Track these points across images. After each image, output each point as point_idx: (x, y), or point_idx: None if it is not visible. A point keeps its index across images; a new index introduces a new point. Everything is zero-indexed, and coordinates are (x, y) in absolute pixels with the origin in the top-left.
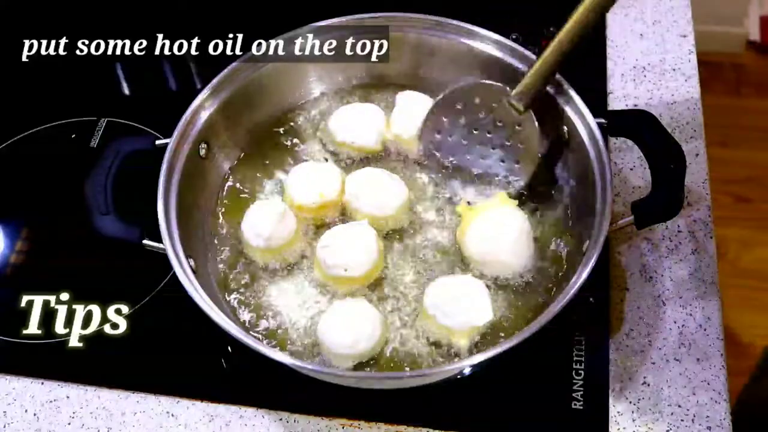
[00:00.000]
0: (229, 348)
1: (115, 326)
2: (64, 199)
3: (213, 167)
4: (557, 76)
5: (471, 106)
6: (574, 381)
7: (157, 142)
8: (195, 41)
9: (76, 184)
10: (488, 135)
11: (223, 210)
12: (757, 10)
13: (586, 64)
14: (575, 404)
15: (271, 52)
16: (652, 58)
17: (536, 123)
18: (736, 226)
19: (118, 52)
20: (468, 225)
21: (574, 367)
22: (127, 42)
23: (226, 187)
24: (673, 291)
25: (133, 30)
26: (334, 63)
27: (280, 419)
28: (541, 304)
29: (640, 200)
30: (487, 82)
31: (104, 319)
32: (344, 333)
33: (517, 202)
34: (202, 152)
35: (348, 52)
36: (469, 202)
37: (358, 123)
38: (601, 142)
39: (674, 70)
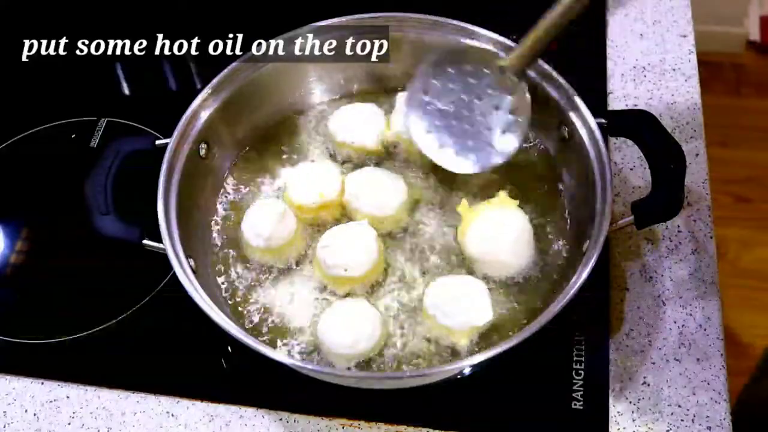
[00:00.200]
0: (229, 348)
1: (115, 326)
2: (64, 199)
3: (213, 167)
4: (557, 76)
5: (462, 70)
6: (574, 381)
7: (157, 142)
8: (195, 41)
9: (76, 184)
10: (477, 102)
11: (223, 210)
12: (757, 10)
13: (586, 64)
14: (575, 404)
15: (271, 52)
16: (652, 58)
17: (527, 93)
18: (736, 226)
19: (118, 52)
20: (468, 225)
21: (574, 367)
22: (127, 42)
23: (226, 187)
24: (673, 291)
25: (133, 30)
26: (334, 63)
27: (280, 419)
28: (541, 304)
29: (640, 200)
30: (480, 46)
31: (104, 319)
32: (344, 333)
33: (517, 202)
34: (202, 152)
35: (348, 52)
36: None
37: (358, 123)
38: (601, 142)
39: (674, 70)
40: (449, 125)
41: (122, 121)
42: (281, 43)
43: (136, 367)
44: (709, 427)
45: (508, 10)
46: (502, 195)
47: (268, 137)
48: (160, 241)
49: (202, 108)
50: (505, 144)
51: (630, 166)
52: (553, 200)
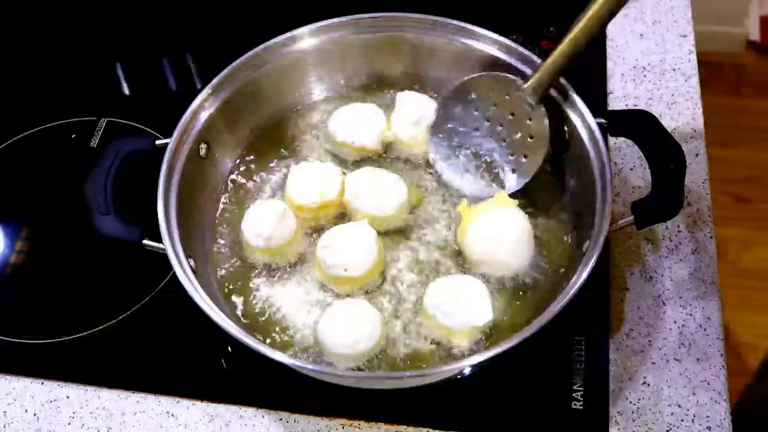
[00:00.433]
0: (229, 348)
1: (115, 326)
2: (64, 199)
3: (213, 167)
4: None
5: (485, 96)
6: (574, 381)
7: (157, 142)
8: (195, 41)
9: (76, 184)
10: (499, 127)
11: (223, 210)
12: (757, 10)
13: (586, 64)
14: (575, 404)
15: (271, 52)
16: (652, 58)
17: (547, 118)
18: (736, 226)
19: (118, 52)
20: (468, 225)
21: (574, 367)
22: (127, 42)
23: (226, 187)
24: (673, 291)
25: (133, 30)
26: (334, 63)
27: (280, 419)
28: (540, 304)
29: (640, 200)
30: (502, 74)
31: (104, 319)
32: (344, 333)
33: (517, 202)
34: (202, 152)
35: (348, 52)
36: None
37: (358, 123)
38: (601, 142)
39: (674, 70)
40: (472, 152)
41: (122, 121)
42: (281, 43)
43: (136, 367)
44: (709, 427)
45: (508, 10)
46: (502, 194)
47: (268, 137)
48: (160, 241)
49: (202, 108)
50: (525, 168)
51: (630, 166)
52: (553, 200)
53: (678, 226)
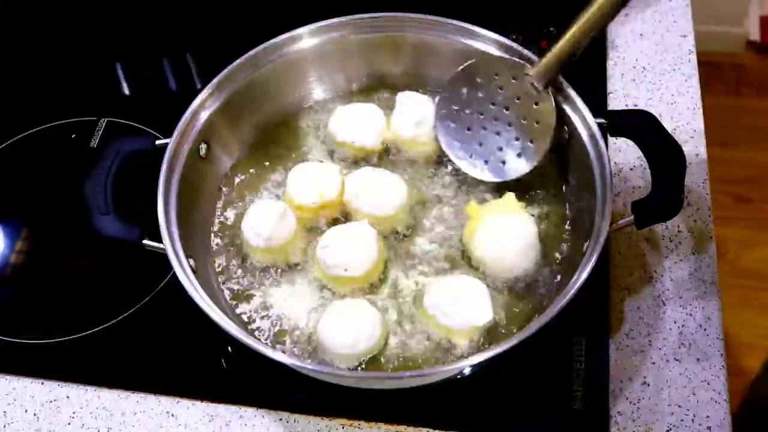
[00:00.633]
0: (229, 348)
1: (115, 326)
2: (64, 199)
3: (213, 167)
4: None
5: (491, 79)
6: (574, 381)
7: (157, 142)
8: (195, 41)
9: (76, 184)
10: (505, 111)
11: (223, 210)
12: (757, 10)
13: (586, 64)
14: (575, 404)
15: (271, 52)
16: (652, 58)
17: (554, 102)
18: (736, 226)
19: (118, 52)
20: (477, 227)
21: (574, 367)
22: (127, 42)
23: (226, 187)
24: (673, 291)
25: (133, 30)
26: (334, 63)
27: (280, 419)
28: (541, 304)
29: (640, 200)
30: (509, 57)
31: (104, 319)
32: (344, 333)
33: (524, 204)
34: (202, 152)
35: (348, 52)
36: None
37: (358, 123)
38: (601, 142)
39: (674, 70)
40: (478, 134)
41: (122, 121)
42: (281, 43)
43: (136, 367)
44: (709, 427)
45: (508, 10)
46: (511, 197)
47: (268, 137)
48: (160, 241)
49: (202, 108)
50: (531, 153)
51: (630, 166)
52: (553, 200)
53: (678, 226)
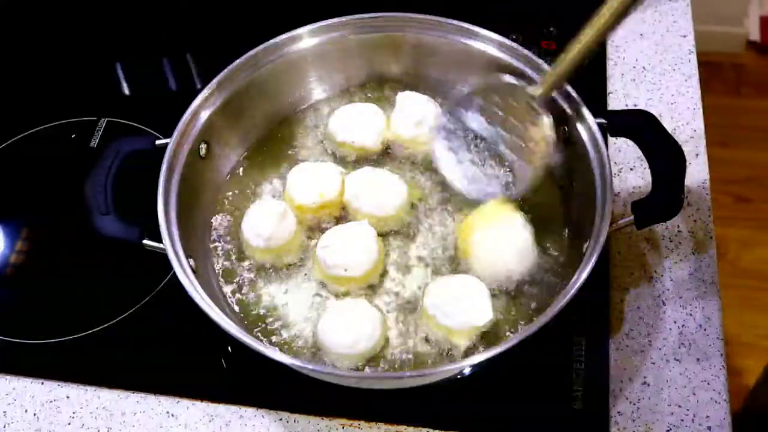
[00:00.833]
0: (229, 348)
1: (115, 326)
2: (64, 199)
3: (213, 167)
4: None
5: (491, 101)
6: (574, 381)
7: (157, 142)
8: (195, 41)
9: (76, 184)
10: (503, 133)
11: (223, 210)
12: (757, 10)
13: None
14: (575, 404)
15: (271, 52)
16: (652, 58)
17: (552, 126)
18: (736, 226)
19: (118, 52)
20: (470, 235)
21: (574, 367)
22: (127, 42)
23: (226, 187)
24: (673, 291)
25: (133, 30)
26: (334, 63)
27: (280, 419)
28: (541, 305)
29: (640, 200)
30: (510, 80)
31: (104, 319)
32: (344, 333)
33: (517, 206)
34: (202, 152)
35: (348, 52)
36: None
37: (358, 123)
38: (601, 142)
39: (674, 70)
40: (476, 156)
41: (122, 121)
42: (281, 43)
43: (136, 367)
44: (709, 427)
45: (508, 10)
46: (504, 200)
47: (268, 137)
48: (160, 241)
49: (202, 108)
50: (525, 176)
51: (630, 166)
52: (553, 200)
53: (678, 226)
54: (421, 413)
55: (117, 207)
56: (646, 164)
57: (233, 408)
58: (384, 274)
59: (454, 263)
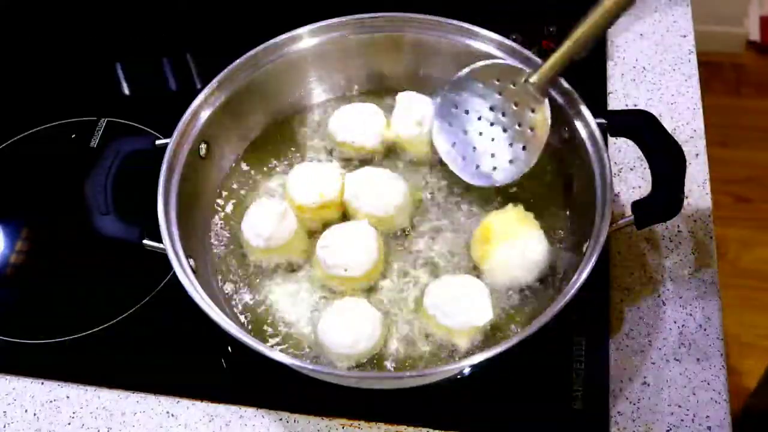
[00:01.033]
0: (229, 348)
1: (115, 326)
2: (64, 199)
3: (213, 167)
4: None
5: (490, 84)
6: (574, 381)
7: (157, 142)
8: (195, 41)
9: (76, 184)
10: (501, 116)
11: (223, 210)
12: (757, 10)
13: (586, 64)
14: (575, 404)
15: (271, 52)
16: (652, 58)
17: (549, 111)
18: (736, 226)
19: (118, 52)
20: (489, 243)
21: (574, 367)
22: (127, 42)
23: (226, 187)
24: (673, 291)
25: (133, 30)
26: (334, 63)
27: (280, 419)
28: (541, 304)
29: (640, 200)
30: (510, 63)
31: (104, 319)
32: (344, 333)
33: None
34: (202, 152)
35: (348, 52)
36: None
37: (358, 123)
38: (601, 142)
39: (674, 70)
40: (473, 138)
41: (122, 121)
42: (281, 43)
43: (136, 367)
44: (709, 427)
45: (508, 10)
46: (520, 211)
47: (268, 137)
48: (160, 241)
49: (202, 108)
50: (523, 160)
51: (630, 166)
52: (553, 200)
53: (678, 226)
54: (421, 413)
55: (117, 207)
56: (646, 164)
57: (233, 408)
58: (384, 273)
59: (455, 262)
